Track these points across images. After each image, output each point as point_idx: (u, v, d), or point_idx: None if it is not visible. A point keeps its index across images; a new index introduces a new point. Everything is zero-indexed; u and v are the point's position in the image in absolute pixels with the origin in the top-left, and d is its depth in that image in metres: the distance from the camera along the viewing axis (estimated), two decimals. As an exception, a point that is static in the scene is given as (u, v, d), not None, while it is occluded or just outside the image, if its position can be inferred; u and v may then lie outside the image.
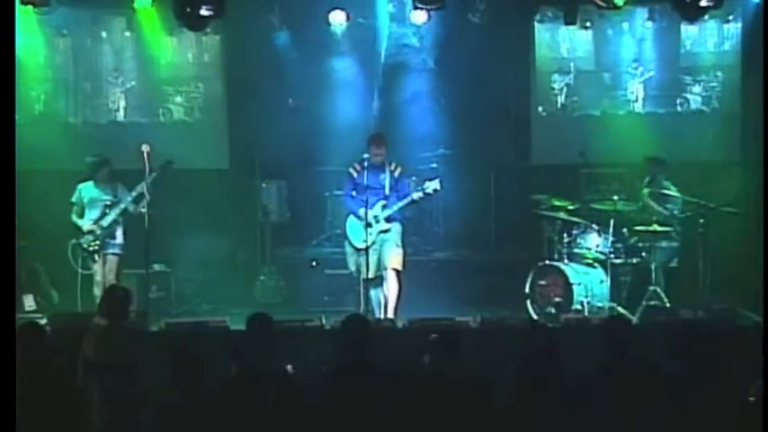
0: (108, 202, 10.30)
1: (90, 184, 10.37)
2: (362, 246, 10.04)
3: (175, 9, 11.04)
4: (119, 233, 10.34)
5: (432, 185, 10.02)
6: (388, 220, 10.12)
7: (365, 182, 10.05)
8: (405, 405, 5.94)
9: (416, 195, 10.08)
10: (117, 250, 10.34)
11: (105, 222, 10.28)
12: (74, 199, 10.37)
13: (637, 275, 10.67)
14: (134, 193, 10.11)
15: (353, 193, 10.22)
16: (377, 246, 10.05)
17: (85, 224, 10.27)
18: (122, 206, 10.22)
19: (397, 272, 10.10)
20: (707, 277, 10.40)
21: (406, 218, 10.57)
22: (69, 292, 10.42)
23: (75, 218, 10.34)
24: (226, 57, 12.50)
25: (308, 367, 6.53)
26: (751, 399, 5.84)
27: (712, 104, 12.40)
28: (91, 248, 10.26)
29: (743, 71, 12.12)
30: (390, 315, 9.93)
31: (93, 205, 10.32)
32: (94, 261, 10.29)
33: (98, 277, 10.26)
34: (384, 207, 10.11)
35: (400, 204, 10.11)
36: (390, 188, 10.13)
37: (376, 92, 12.58)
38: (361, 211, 10.03)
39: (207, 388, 5.99)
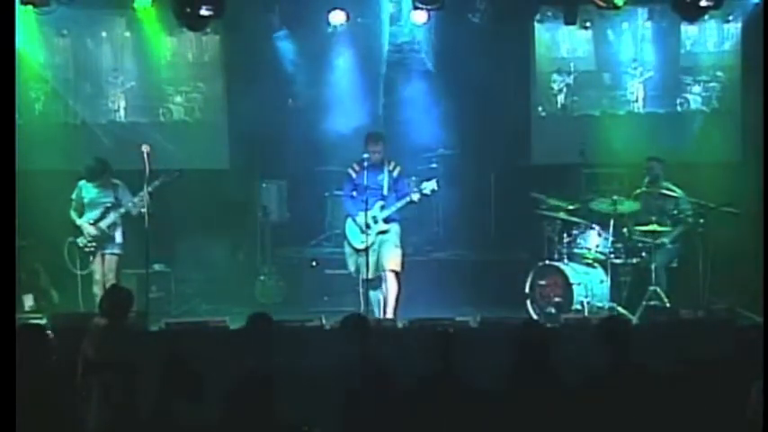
0: (108, 204, 10.30)
1: (90, 183, 10.36)
2: (361, 246, 10.05)
3: (175, 9, 11.04)
4: (117, 233, 10.35)
5: (429, 186, 10.02)
6: (386, 220, 10.11)
7: (364, 182, 10.05)
8: (403, 405, 5.95)
9: (415, 197, 10.06)
10: (116, 250, 10.34)
11: (104, 224, 10.29)
12: (73, 196, 10.38)
13: (637, 275, 10.67)
14: (136, 199, 10.09)
15: (354, 193, 10.21)
16: (375, 246, 10.05)
17: (84, 224, 10.28)
18: (123, 210, 10.22)
19: (397, 273, 10.10)
20: (707, 277, 10.42)
21: (406, 218, 10.56)
22: (69, 291, 10.44)
23: (73, 215, 10.34)
24: (226, 57, 12.49)
25: (307, 367, 6.53)
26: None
27: (712, 104, 12.40)
28: (87, 249, 10.27)
29: (743, 71, 12.12)
30: (390, 316, 9.93)
31: (92, 206, 10.33)
32: (91, 261, 10.29)
33: (97, 276, 10.28)
34: (383, 208, 10.10)
35: (398, 205, 10.11)
36: (389, 188, 10.12)
37: (376, 92, 12.57)
38: (360, 215, 10.03)
39: (207, 388, 5.99)
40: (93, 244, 10.28)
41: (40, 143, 11.68)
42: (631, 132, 12.17)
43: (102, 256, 10.32)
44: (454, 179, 12.43)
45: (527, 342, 6.22)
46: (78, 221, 10.30)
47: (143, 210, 9.98)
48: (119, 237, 10.35)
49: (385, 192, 10.11)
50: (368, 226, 9.98)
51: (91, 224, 10.27)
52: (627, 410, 5.86)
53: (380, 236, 10.08)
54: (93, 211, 10.32)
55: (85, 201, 10.35)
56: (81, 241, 10.27)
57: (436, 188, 10.05)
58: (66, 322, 8.98)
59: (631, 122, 12.42)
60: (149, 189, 9.99)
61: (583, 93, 12.60)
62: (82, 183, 10.39)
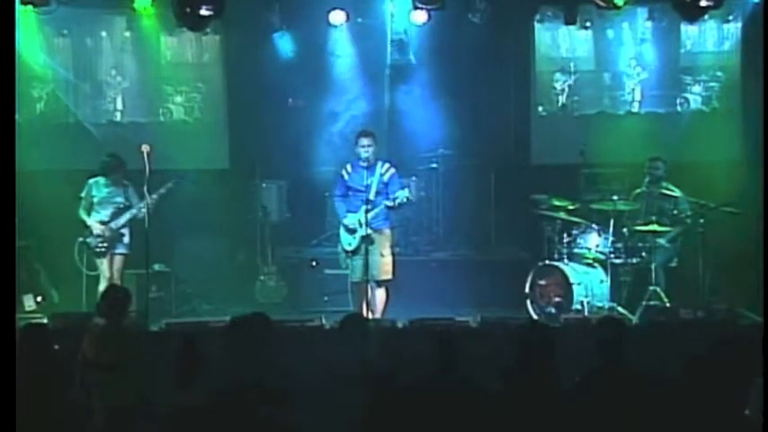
0: (120, 205, 10.29)
1: (101, 181, 10.35)
2: (349, 249, 9.99)
3: (175, 9, 11.04)
4: (126, 232, 10.34)
5: (401, 194, 9.72)
6: (372, 226, 9.81)
7: (354, 184, 9.97)
8: (403, 404, 5.95)
9: (388, 203, 9.81)
10: (124, 250, 10.36)
11: (116, 225, 10.28)
12: (83, 194, 10.34)
13: (637, 275, 10.67)
14: (149, 201, 10.07)
15: (348, 192, 10.09)
16: (362, 252, 9.83)
17: (95, 224, 10.25)
18: (134, 212, 10.18)
19: (384, 281, 9.98)
20: (707, 277, 10.42)
21: (406, 218, 10.53)
22: (72, 291, 10.44)
23: (83, 214, 10.30)
24: (226, 57, 12.49)
25: (307, 367, 6.53)
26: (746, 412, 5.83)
27: (712, 104, 12.41)
28: (98, 249, 10.26)
29: (743, 71, 12.12)
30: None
31: (103, 205, 10.31)
32: (101, 262, 10.29)
33: (107, 275, 10.25)
34: (367, 212, 9.81)
35: (376, 211, 9.84)
36: (378, 192, 9.89)
37: (376, 92, 12.57)
38: (349, 216, 9.95)
39: (207, 388, 5.99)
40: (105, 244, 10.28)
41: (41, 143, 11.69)
42: (631, 132, 12.17)
43: (112, 256, 10.32)
44: (454, 179, 12.45)
45: (527, 342, 6.22)
46: (89, 221, 10.27)
47: (143, 210, 10.00)
48: (127, 236, 10.35)
49: (372, 195, 9.85)
50: (354, 230, 9.89)
51: (102, 224, 10.26)
52: (626, 410, 5.86)
53: (366, 241, 9.82)
54: (103, 210, 10.31)
55: (95, 199, 10.32)
56: (92, 241, 10.26)
57: (409, 196, 9.74)
58: (66, 322, 8.98)
59: (631, 122, 12.42)
60: (162, 191, 10.07)
61: (583, 93, 12.61)
62: (92, 181, 10.36)
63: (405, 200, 9.77)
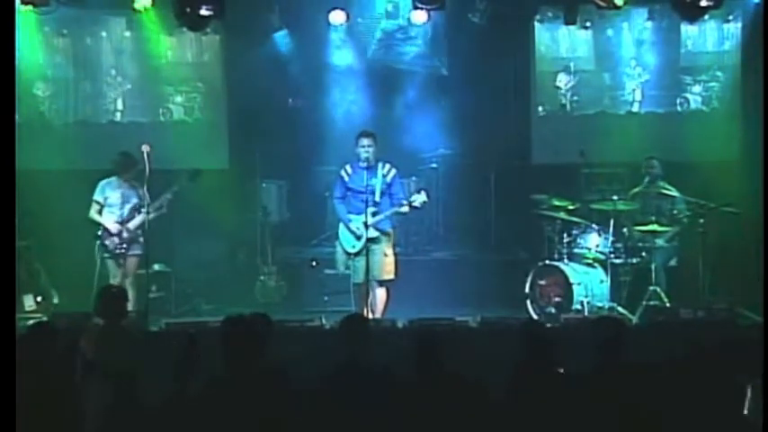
0: (135, 205, 10.25)
1: (114, 182, 10.33)
2: (352, 251, 9.98)
3: (175, 9, 11.06)
4: (140, 232, 10.30)
5: (419, 199, 9.77)
6: (377, 228, 9.86)
7: (355, 185, 9.97)
8: (402, 405, 5.95)
9: (404, 209, 9.87)
10: (139, 251, 10.32)
11: (133, 226, 10.25)
12: (96, 196, 10.28)
13: (637, 275, 10.67)
14: (167, 196, 10.07)
15: (348, 193, 10.10)
16: (365, 252, 9.82)
17: (112, 225, 10.22)
18: (149, 212, 10.12)
19: (386, 282, 9.99)
20: (707, 277, 10.42)
21: (406, 217, 10.53)
22: (74, 291, 10.42)
23: (95, 215, 10.24)
24: (226, 57, 12.49)
25: (307, 367, 6.52)
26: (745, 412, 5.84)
27: (712, 104, 12.40)
28: (117, 251, 10.24)
29: (743, 71, 12.11)
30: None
31: (118, 205, 10.27)
32: (119, 265, 10.25)
33: (117, 275, 10.23)
34: (374, 215, 9.82)
35: (387, 214, 9.89)
36: (382, 193, 9.91)
37: (376, 92, 12.58)
38: (353, 218, 9.93)
39: (206, 388, 5.99)
40: (124, 246, 10.26)
41: (41, 143, 11.69)
42: (631, 132, 12.17)
43: (126, 257, 10.30)
44: (454, 179, 12.46)
45: (528, 342, 6.23)
46: (105, 222, 10.21)
47: (160, 209, 10.03)
48: (141, 237, 10.31)
49: (377, 197, 9.86)
50: (360, 236, 9.88)
51: (119, 224, 10.23)
52: (626, 410, 5.86)
53: (370, 242, 9.83)
54: (119, 211, 10.26)
55: (110, 200, 10.29)
56: (110, 244, 10.22)
57: (426, 200, 9.83)
58: (68, 322, 8.97)
59: (631, 122, 12.42)
60: (175, 188, 10.17)
61: (583, 93, 12.60)
62: (105, 182, 10.32)
63: (420, 204, 9.79)
